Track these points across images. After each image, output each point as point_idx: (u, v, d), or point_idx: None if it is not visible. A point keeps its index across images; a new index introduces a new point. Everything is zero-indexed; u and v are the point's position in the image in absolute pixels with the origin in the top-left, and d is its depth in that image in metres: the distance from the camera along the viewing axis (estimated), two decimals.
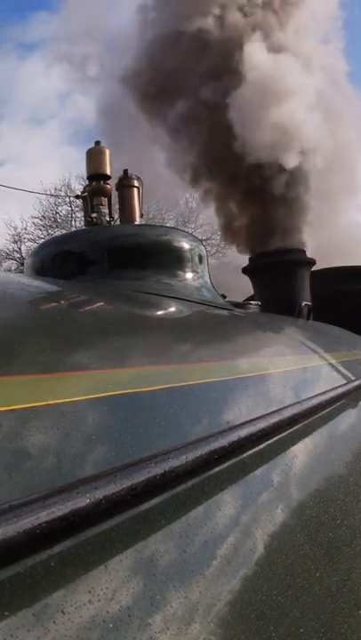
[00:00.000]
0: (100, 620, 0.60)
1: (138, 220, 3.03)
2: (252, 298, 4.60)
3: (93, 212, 2.85)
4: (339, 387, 1.99)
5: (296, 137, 4.36)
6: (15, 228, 21.68)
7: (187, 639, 0.68)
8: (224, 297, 3.09)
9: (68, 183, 20.49)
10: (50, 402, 0.81)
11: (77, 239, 2.64)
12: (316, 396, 1.67)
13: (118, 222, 3.17)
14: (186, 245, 2.67)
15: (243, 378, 1.56)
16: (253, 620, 0.80)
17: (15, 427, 0.73)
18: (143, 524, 0.76)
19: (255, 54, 4.49)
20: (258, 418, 1.17)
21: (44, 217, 21.98)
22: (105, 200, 2.91)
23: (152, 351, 1.38)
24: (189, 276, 2.63)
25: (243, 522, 0.97)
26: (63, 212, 21.89)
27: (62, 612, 0.57)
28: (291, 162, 4.38)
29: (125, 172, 3.09)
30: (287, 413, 1.32)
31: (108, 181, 2.94)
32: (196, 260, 2.71)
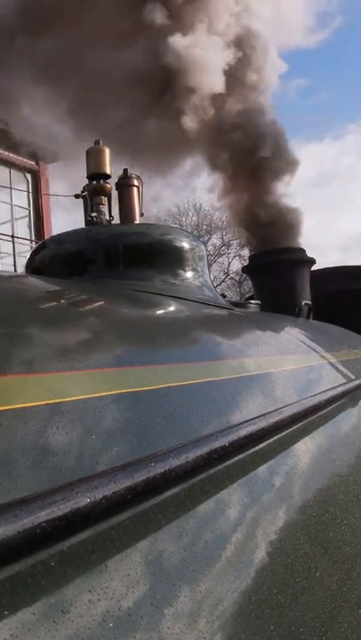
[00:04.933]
0: (101, 620, 0.60)
1: (138, 220, 3.03)
2: (252, 297, 4.60)
3: (93, 212, 2.85)
4: (339, 386, 1.99)
5: None
6: None
7: (187, 638, 0.67)
8: (224, 296, 3.09)
9: None
10: (49, 401, 0.81)
11: (77, 238, 2.63)
12: (317, 395, 1.67)
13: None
14: (186, 245, 2.67)
15: (243, 377, 1.56)
16: (253, 620, 0.80)
17: (14, 426, 0.73)
18: (143, 523, 0.76)
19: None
20: (258, 417, 1.17)
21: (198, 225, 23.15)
22: (105, 199, 2.91)
23: (152, 350, 1.38)
24: (190, 275, 2.63)
25: (243, 521, 0.97)
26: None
27: (62, 611, 0.57)
28: None
29: (125, 171, 3.09)
30: (287, 412, 1.32)
31: (108, 180, 2.93)
32: (197, 259, 2.71)
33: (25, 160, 13.16)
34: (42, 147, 9.75)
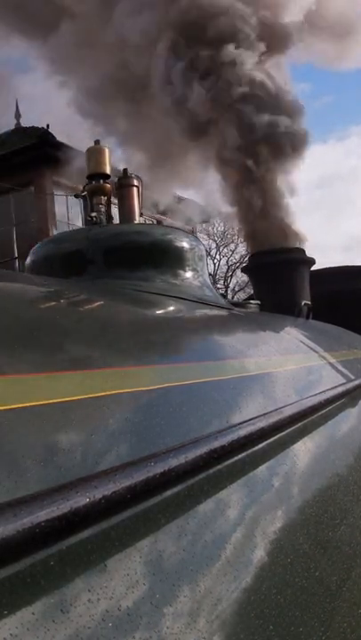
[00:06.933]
0: (100, 619, 0.60)
1: (137, 220, 3.03)
2: (251, 297, 4.60)
3: (93, 212, 2.85)
4: (338, 386, 1.99)
5: None
6: None
7: (187, 638, 0.68)
8: (224, 296, 3.09)
9: None
10: (48, 401, 0.81)
11: (77, 238, 2.63)
12: (316, 395, 1.67)
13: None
14: (186, 245, 2.67)
15: (242, 377, 1.56)
16: (253, 619, 0.80)
17: (13, 426, 0.73)
18: (142, 523, 0.76)
19: None
20: (257, 417, 1.17)
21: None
22: (105, 199, 2.91)
23: (151, 350, 1.38)
24: (190, 275, 2.63)
25: (242, 521, 0.97)
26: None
27: (62, 611, 0.57)
28: None
29: (125, 171, 3.09)
30: (287, 413, 1.32)
31: (108, 180, 2.94)
32: (197, 258, 2.71)
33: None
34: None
